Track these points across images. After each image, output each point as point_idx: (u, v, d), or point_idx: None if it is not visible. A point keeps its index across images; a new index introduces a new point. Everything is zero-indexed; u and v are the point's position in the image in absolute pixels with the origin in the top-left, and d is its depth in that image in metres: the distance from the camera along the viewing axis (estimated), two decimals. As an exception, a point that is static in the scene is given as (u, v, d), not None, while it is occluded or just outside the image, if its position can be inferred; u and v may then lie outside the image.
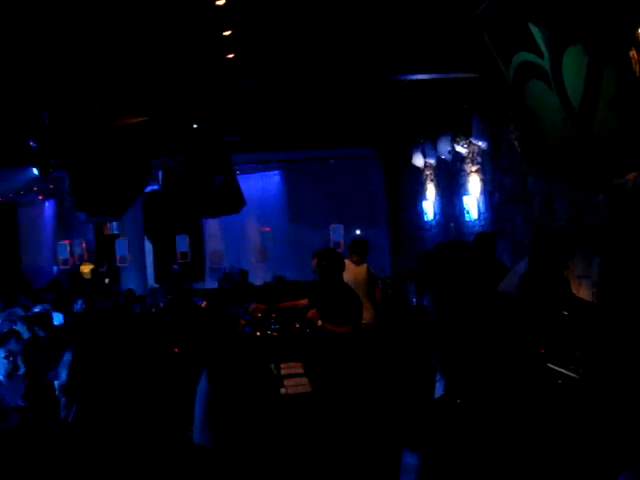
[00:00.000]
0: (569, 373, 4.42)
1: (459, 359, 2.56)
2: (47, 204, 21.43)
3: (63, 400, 2.13)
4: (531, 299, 5.05)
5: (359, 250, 9.29)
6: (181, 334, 6.32)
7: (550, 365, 4.59)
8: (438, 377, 2.90)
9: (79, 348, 2.12)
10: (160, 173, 10.46)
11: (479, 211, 11.59)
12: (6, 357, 6.09)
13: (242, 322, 7.05)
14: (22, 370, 6.00)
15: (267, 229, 18.23)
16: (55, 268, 20.14)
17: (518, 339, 2.55)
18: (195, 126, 12.23)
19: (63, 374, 2.09)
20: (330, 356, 6.30)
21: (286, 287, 13.35)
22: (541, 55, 6.74)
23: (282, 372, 6.10)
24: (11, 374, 5.94)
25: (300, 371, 6.12)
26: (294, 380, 5.78)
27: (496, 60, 7.62)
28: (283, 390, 5.46)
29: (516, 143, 9.64)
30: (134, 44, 7.76)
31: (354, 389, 6.00)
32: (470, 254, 3.12)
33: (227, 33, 8.09)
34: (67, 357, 2.10)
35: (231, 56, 8.69)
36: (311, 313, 6.58)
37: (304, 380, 5.87)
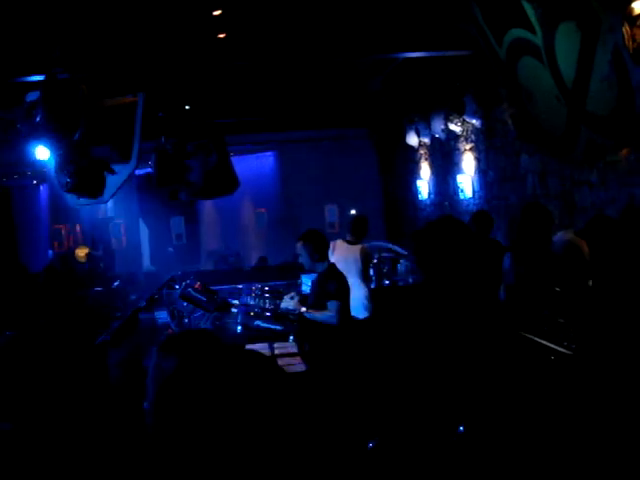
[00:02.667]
0: (562, 350, 4.43)
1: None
2: (41, 188, 21.36)
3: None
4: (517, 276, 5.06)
5: (355, 229, 9.03)
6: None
7: (543, 341, 4.60)
8: None
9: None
10: (153, 155, 10.39)
11: (473, 190, 11.58)
12: None
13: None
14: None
15: (262, 210, 18.21)
16: (50, 252, 20.10)
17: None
18: (187, 107, 12.16)
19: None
20: (321, 339, 6.29)
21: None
22: (534, 31, 6.71)
23: (275, 352, 6.12)
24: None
25: (293, 351, 6.13)
26: (286, 359, 5.79)
27: (488, 37, 7.59)
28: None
29: (509, 121, 9.60)
30: (123, 24, 7.70)
31: (349, 369, 6.01)
32: (461, 230, 3.10)
33: (217, 13, 8.03)
34: None
35: (222, 36, 8.63)
36: (289, 302, 6.57)
37: (297, 359, 5.88)
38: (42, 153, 11.23)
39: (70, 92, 5.14)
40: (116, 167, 6.02)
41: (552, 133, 7.18)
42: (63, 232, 18.81)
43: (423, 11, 8.51)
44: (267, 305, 6.92)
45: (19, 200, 21.35)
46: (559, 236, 5.34)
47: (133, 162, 5.64)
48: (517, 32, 6.97)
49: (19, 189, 20.59)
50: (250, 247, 18.31)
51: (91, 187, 5.81)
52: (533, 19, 6.58)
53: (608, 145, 6.58)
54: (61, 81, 5.19)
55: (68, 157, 5.63)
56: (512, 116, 9.06)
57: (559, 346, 4.50)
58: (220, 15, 8.26)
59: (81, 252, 18.89)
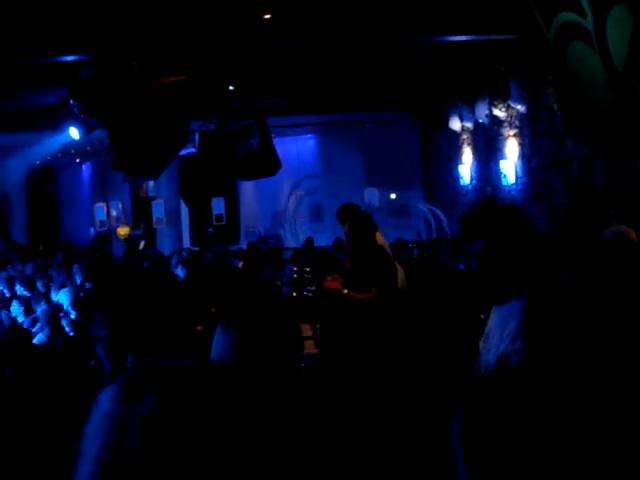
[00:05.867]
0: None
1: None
2: (84, 167, 21.64)
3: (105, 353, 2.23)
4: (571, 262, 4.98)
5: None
6: (218, 294, 6.37)
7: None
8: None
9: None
10: (197, 135, 10.48)
11: (516, 175, 11.48)
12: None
13: (278, 283, 7.09)
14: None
15: (301, 192, 18.25)
16: (92, 230, 20.38)
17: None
18: (231, 88, 12.18)
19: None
20: (361, 322, 6.28)
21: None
22: (584, 15, 6.60)
23: (318, 332, 6.12)
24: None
25: (308, 334, 6.08)
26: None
27: (537, 21, 7.48)
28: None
29: (555, 106, 9.48)
30: (169, 4, 7.74)
31: (386, 354, 6.00)
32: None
33: (264, -7, 8.03)
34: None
35: (268, 17, 8.63)
36: (330, 283, 6.54)
37: (311, 343, 5.83)
38: (74, 133, 11.39)
39: (122, 70, 5.20)
40: (166, 145, 6.08)
41: (600, 119, 7.08)
42: (105, 210, 19.02)
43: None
44: (308, 287, 6.95)
45: (62, 178, 21.67)
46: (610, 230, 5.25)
47: (182, 139, 5.69)
48: (567, 16, 6.86)
49: (62, 167, 20.88)
50: (289, 229, 18.36)
51: (141, 163, 5.87)
52: (584, 2, 6.47)
53: (658, 131, 6.47)
54: (113, 59, 5.24)
55: (118, 134, 5.70)
56: (559, 101, 8.94)
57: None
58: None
59: (122, 231, 19.14)
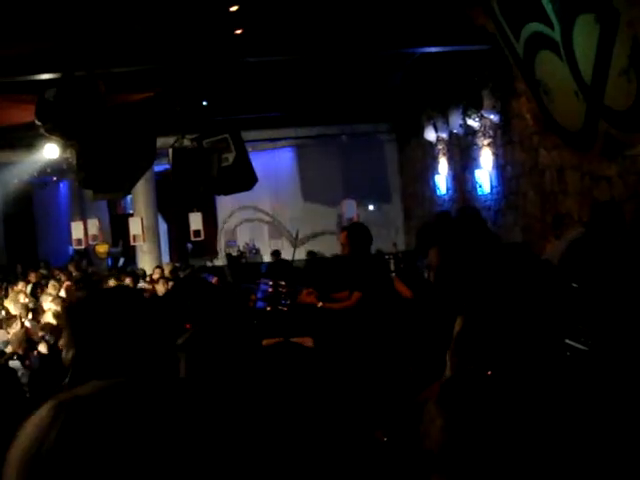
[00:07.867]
0: (578, 345, 4.40)
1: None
2: (61, 185, 21.53)
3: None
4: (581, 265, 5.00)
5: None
6: (192, 310, 6.33)
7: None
8: None
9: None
10: (170, 151, 10.42)
11: (491, 185, 11.54)
12: None
13: (253, 297, 7.06)
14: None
15: (280, 205, 18.23)
16: (71, 248, 20.23)
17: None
18: (205, 103, 12.16)
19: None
20: (341, 332, 6.29)
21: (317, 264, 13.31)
22: (551, 26, 6.66)
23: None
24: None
25: (310, 345, 6.13)
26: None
27: (506, 32, 7.55)
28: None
29: (527, 116, 9.55)
30: (141, 19, 7.73)
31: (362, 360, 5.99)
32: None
33: (234, 8, 8.04)
34: None
35: (239, 32, 8.64)
36: (305, 297, 6.56)
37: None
38: (51, 152, 11.31)
39: (87, 89, 5.17)
40: (134, 162, 6.04)
41: (570, 128, 7.13)
42: (82, 228, 18.90)
43: (441, 6, 8.47)
44: (283, 301, 6.93)
45: (39, 197, 21.54)
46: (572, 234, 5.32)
47: (150, 157, 5.66)
48: (535, 26, 6.93)
49: (39, 186, 20.76)
50: (268, 243, 18.33)
51: (107, 182, 5.84)
52: (551, 13, 6.53)
53: (627, 139, 6.53)
54: (78, 78, 5.22)
55: (85, 153, 5.66)
56: (530, 111, 9.01)
57: (575, 342, 4.47)
58: (237, 11, 8.27)
59: (101, 248, 19.01)
